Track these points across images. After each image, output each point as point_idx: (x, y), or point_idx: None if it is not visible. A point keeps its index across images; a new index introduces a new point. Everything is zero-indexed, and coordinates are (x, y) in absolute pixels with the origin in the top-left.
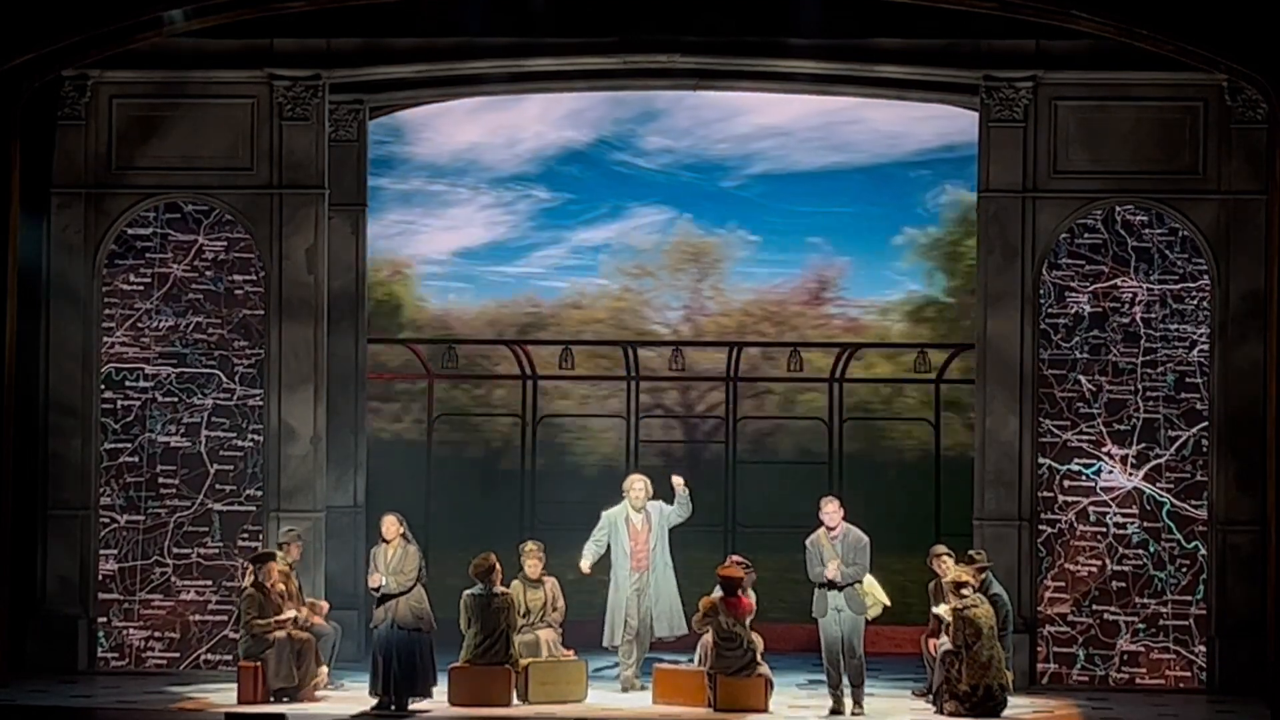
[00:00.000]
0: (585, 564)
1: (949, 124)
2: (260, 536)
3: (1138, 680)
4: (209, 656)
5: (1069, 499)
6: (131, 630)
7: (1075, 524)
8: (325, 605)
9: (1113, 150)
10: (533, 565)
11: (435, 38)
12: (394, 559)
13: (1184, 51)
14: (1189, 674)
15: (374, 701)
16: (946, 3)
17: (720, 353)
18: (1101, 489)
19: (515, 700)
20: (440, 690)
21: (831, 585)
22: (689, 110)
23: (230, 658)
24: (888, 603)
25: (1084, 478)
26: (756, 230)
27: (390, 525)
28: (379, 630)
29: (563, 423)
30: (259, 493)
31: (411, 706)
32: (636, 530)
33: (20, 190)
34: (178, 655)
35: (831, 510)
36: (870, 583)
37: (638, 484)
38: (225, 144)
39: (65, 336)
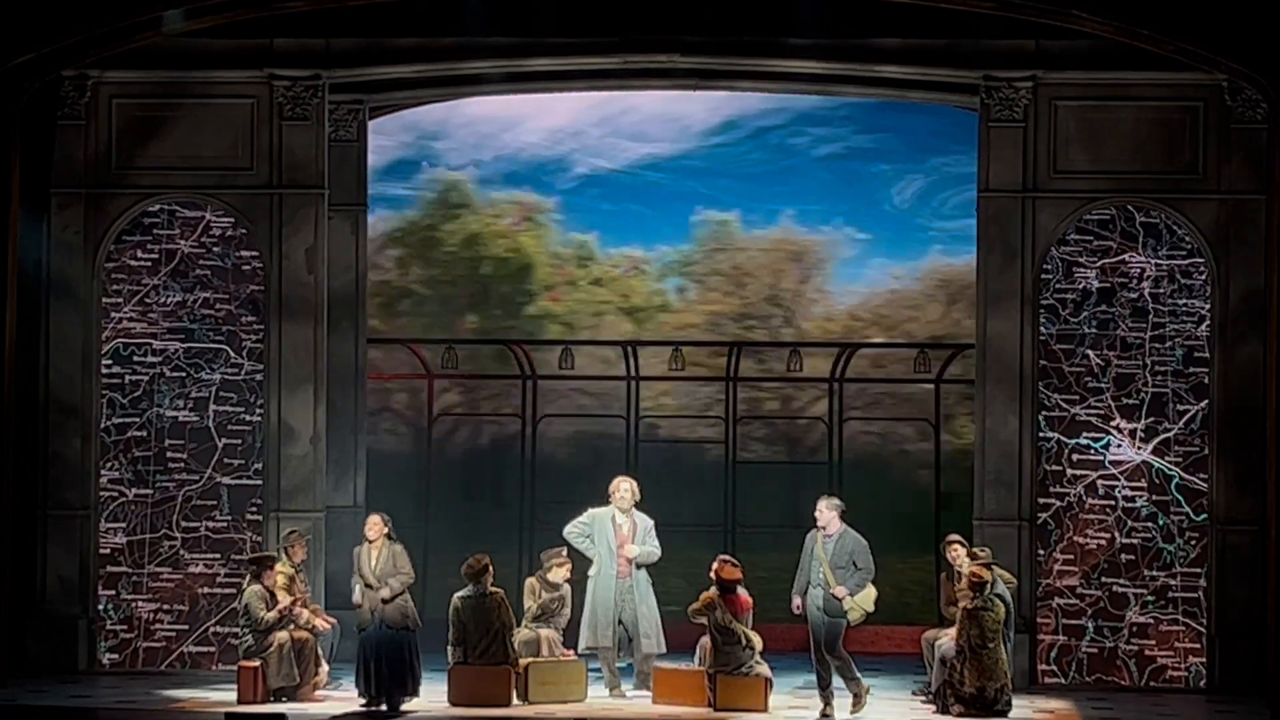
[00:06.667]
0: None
1: (725, 101)
2: (260, 535)
3: (1146, 652)
4: (217, 629)
5: (1077, 473)
6: (140, 603)
7: (1084, 497)
8: (320, 609)
9: (1113, 150)
10: (563, 571)
11: (435, 38)
12: (381, 559)
13: (1184, 51)
14: (1198, 645)
15: (364, 701)
16: (946, 3)
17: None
18: (1110, 463)
19: (515, 700)
20: (440, 690)
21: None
22: (468, 125)
23: (238, 630)
24: (869, 609)
25: (1092, 451)
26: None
27: (374, 525)
28: (367, 631)
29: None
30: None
31: (404, 706)
32: (622, 535)
33: (20, 190)
34: (186, 628)
35: (821, 508)
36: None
37: (624, 486)
38: (225, 144)
39: (65, 336)
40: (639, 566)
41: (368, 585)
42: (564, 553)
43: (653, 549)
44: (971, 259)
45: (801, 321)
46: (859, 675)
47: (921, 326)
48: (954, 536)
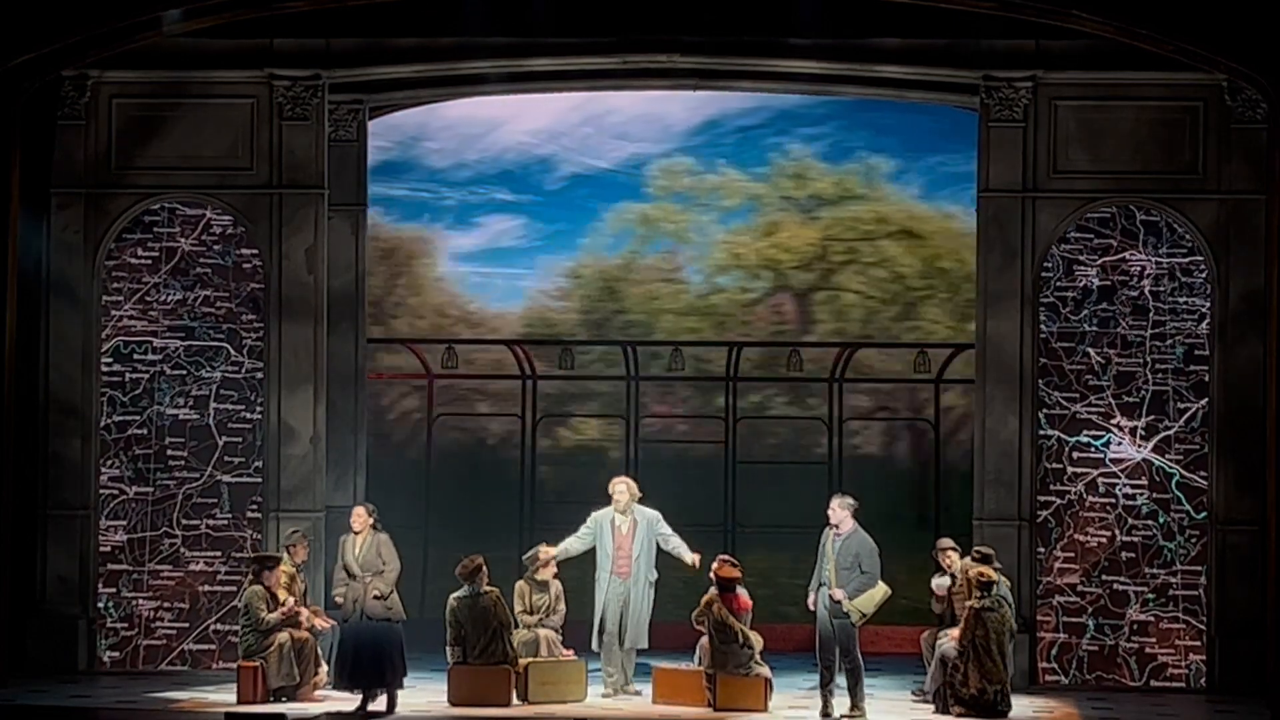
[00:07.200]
0: (555, 549)
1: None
2: (260, 533)
3: (1147, 650)
4: (218, 627)
5: (1078, 470)
6: (140, 601)
7: (1084, 495)
8: (320, 609)
9: (1113, 150)
10: (550, 569)
11: (435, 38)
12: (364, 548)
13: (1184, 51)
14: (1199, 643)
15: (358, 700)
16: (946, 3)
17: None
18: (1110, 460)
19: (515, 700)
20: (440, 690)
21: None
22: (448, 127)
23: (238, 629)
24: (867, 612)
25: (1093, 449)
26: None
27: (359, 517)
28: (348, 623)
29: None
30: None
31: (377, 702)
32: (621, 535)
33: (20, 190)
34: (187, 626)
35: (834, 506)
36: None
37: (619, 486)
38: (225, 144)
39: (65, 336)
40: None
41: (350, 575)
42: (546, 553)
43: (676, 542)
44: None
45: (390, 319)
46: (864, 692)
47: (508, 323)
48: (946, 541)
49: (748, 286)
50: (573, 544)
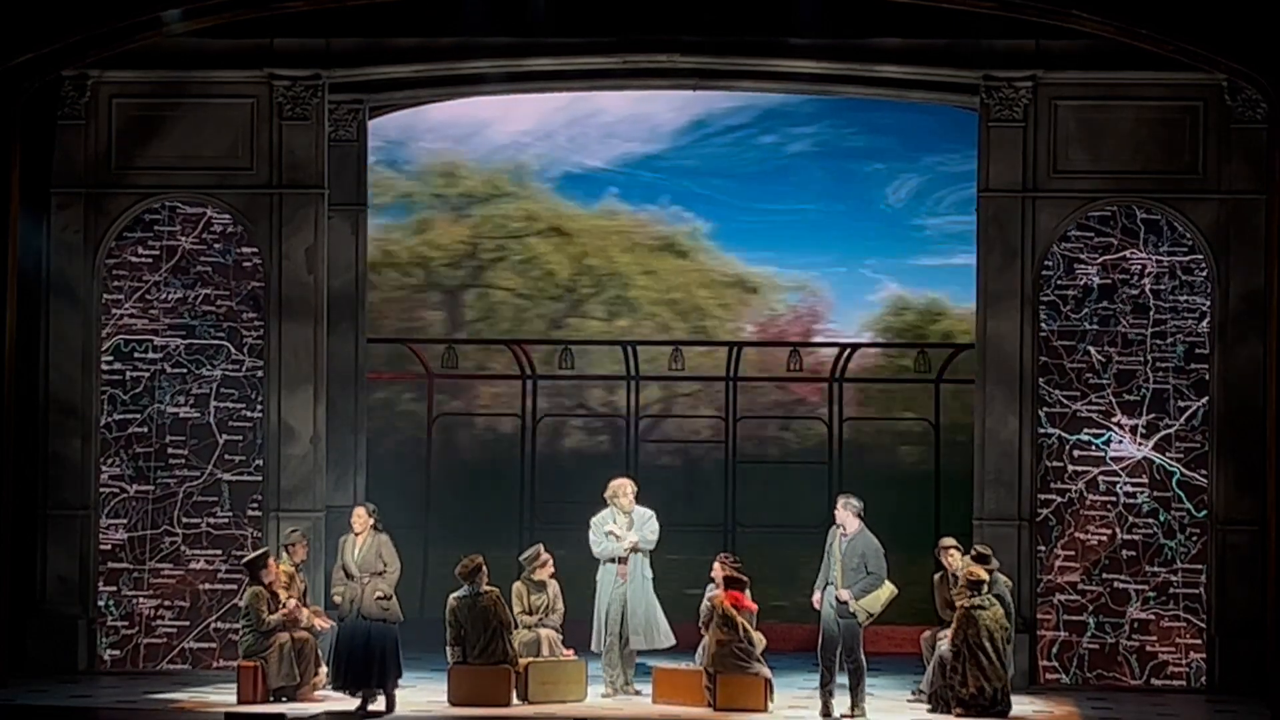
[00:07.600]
0: (625, 542)
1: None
2: (261, 532)
3: (1148, 648)
4: (219, 625)
5: (1079, 469)
6: (141, 599)
7: (1085, 494)
8: (320, 610)
9: (1113, 150)
10: (547, 569)
11: (435, 38)
12: (363, 549)
13: (1184, 51)
14: (1199, 642)
15: (358, 701)
16: (946, 3)
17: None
18: (1111, 459)
19: (515, 700)
20: (440, 690)
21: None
22: (433, 129)
23: (239, 627)
24: (874, 612)
25: (1094, 448)
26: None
27: (360, 517)
28: (345, 622)
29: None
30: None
31: (399, 704)
32: (621, 535)
33: (20, 190)
34: (187, 624)
35: (839, 507)
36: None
37: (628, 488)
38: (225, 144)
39: (65, 336)
40: (635, 550)
41: (348, 575)
42: (541, 550)
43: (647, 535)
44: None
45: None
46: (866, 692)
47: None
48: (948, 541)
49: (399, 284)
50: (603, 544)
